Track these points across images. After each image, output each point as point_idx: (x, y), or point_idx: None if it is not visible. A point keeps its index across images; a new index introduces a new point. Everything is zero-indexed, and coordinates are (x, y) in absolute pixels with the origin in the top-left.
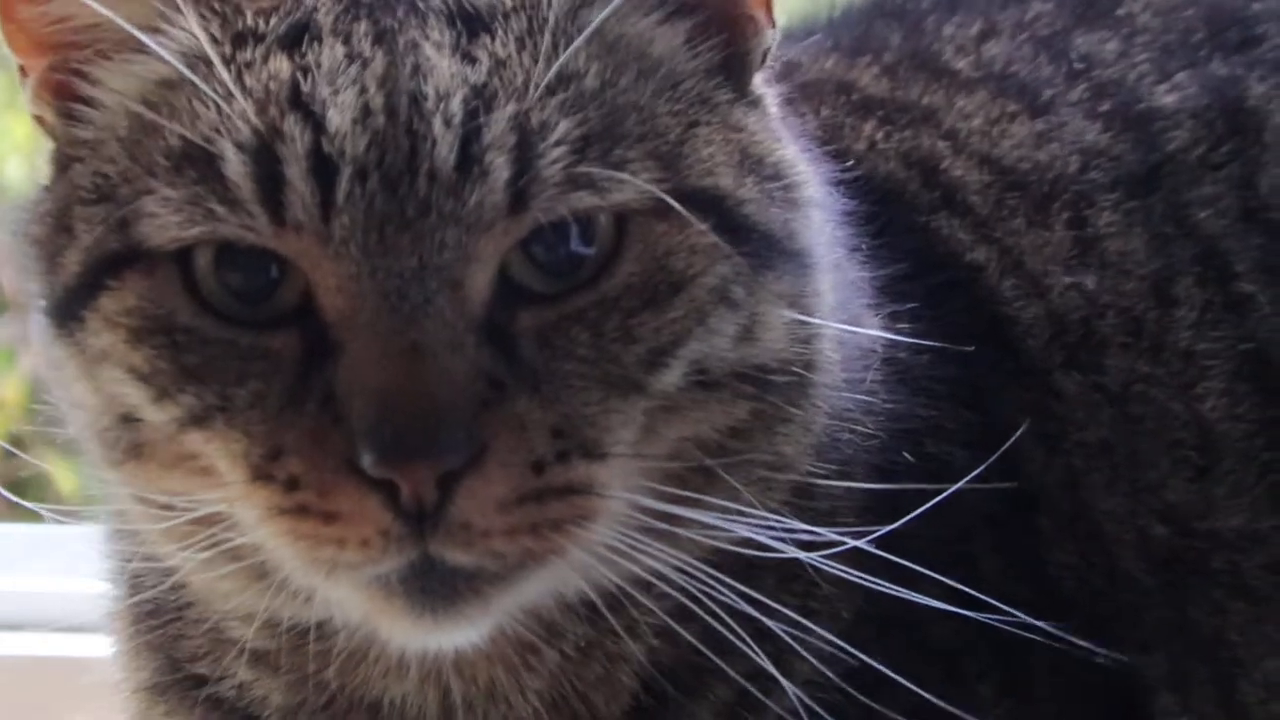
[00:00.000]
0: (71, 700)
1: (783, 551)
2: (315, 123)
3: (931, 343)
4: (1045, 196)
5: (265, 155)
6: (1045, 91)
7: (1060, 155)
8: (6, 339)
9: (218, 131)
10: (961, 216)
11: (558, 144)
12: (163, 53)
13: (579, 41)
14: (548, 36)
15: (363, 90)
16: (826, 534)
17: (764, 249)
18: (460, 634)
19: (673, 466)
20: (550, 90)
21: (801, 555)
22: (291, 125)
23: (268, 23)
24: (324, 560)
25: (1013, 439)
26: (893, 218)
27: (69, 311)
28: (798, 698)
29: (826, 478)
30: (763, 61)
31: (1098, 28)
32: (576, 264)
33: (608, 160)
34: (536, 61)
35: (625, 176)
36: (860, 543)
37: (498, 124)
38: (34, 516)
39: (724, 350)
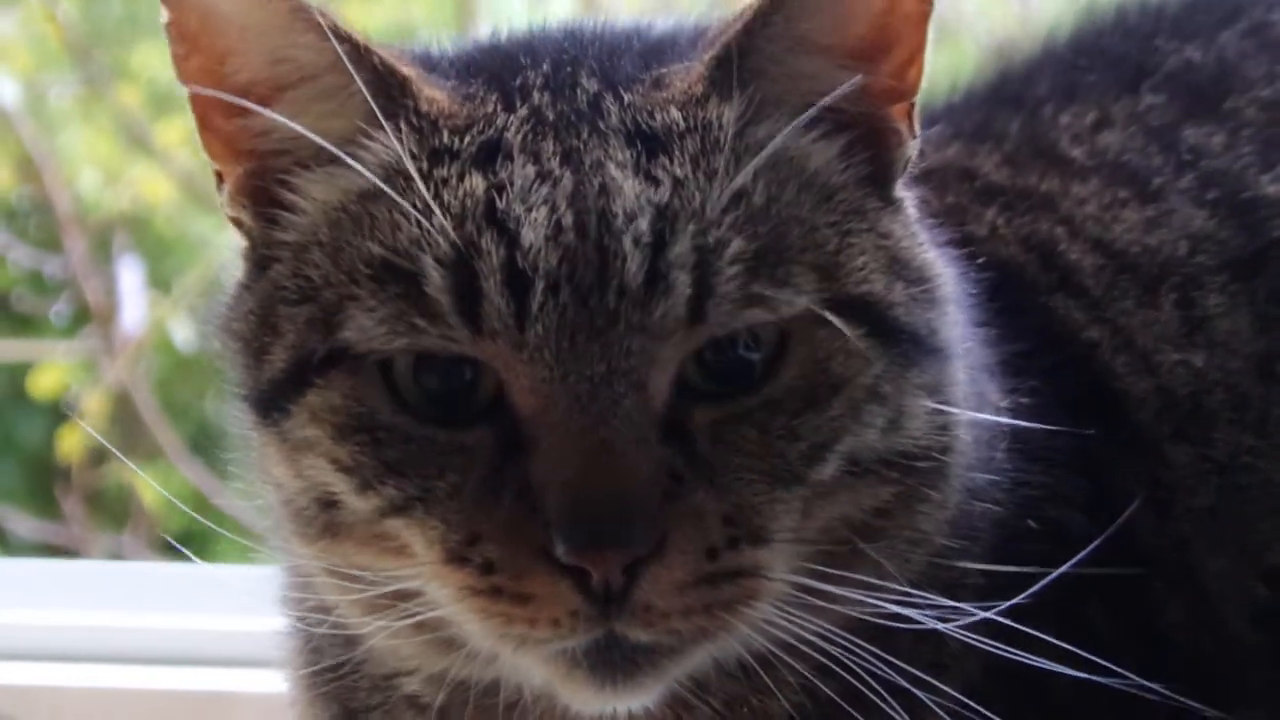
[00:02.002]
0: None
1: (921, 623)
2: (510, 239)
3: (1049, 419)
4: (1154, 278)
5: (463, 270)
6: (1155, 180)
7: (1169, 240)
8: (88, 351)
9: (418, 246)
10: (1077, 297)
11: (733, 262)
12: (364, 170)
13: (753, 165)
14: (720, 157)
15: (554, 208)
16: (965, 608)
17: (910, 347)
18: (636, 700)
19: (824, 543)
20: (725, 209)
21: (939, 625)
22: (488, 242)
23: (462, 141)
24: (515, 635)
25: (1130, 508)
26: (1014, 298)
27: (273, 403)
28: None
29: (960, 550)
30: (904, 169)
31: (1206, 121)
32: (745, 368)
33: (775, 276)
34: (712, 181)
35: (791, 296)
36: (990, 614)
37: (681, 243)
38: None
39: (873, 441)
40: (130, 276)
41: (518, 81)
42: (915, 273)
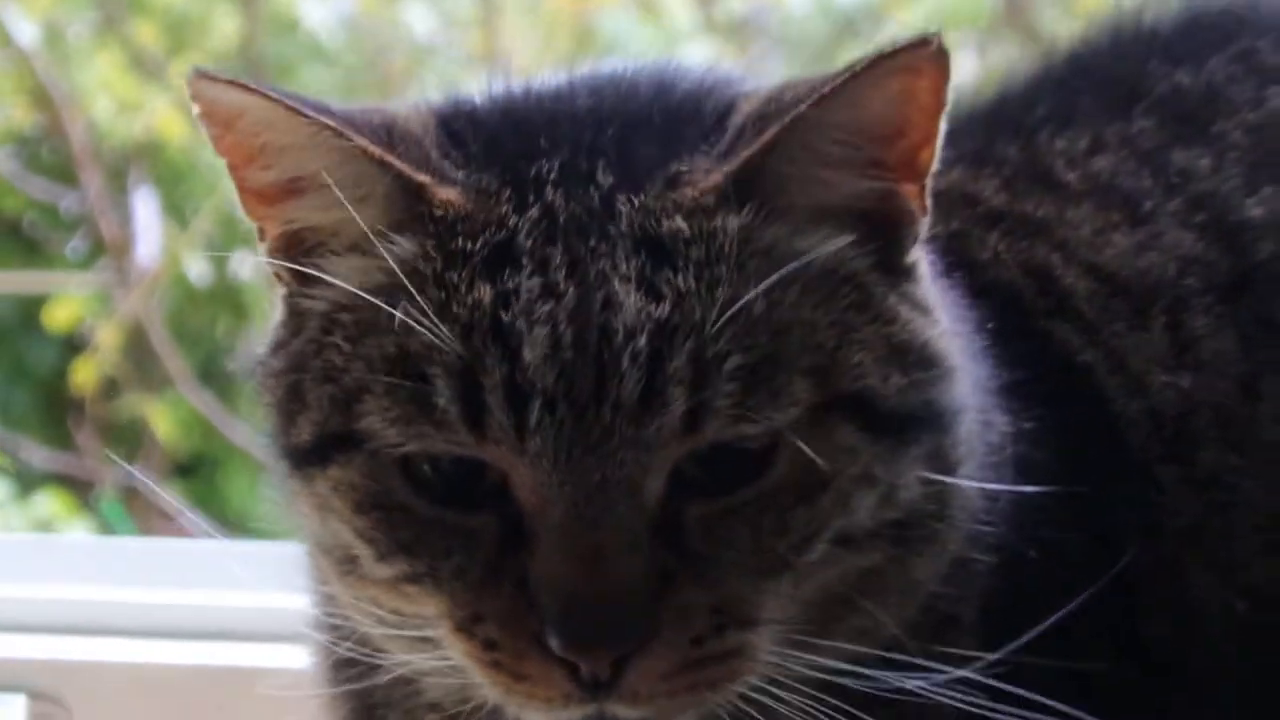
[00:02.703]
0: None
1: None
2: (512, 354)
3: (1050, 443)
4: (1145, 301)
5: (469, 382)
6: (1146, 203)
7: (1158, 263)
8: (102, 283)
9: (428, 354)
10: (1073, 321)
11: (730, 378)
12: (389, 259)
13: (760, 286)
14: (724, 269)
15: (555, 326)
16: (958, 672)
17: (906, 429)
18: None
19: (813, 602)
20: (726, 323)
21: (918, 686)
22: (491, 358)
23: (474, 244)
24: (516, 698)
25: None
26: (1016, 323)
27: (301, 464)
28: None
29: (956, 596)
30: (915, 242)
31: (1194, 144)
32: (739, 464)
33: (772, 387)
34: (714, 293)
35: (786, 406)
36: (990, 660)
37: (678, 359)
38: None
39: (863, 520)
40: (145, 209)
41: (533, 172)
42: (917, 355)
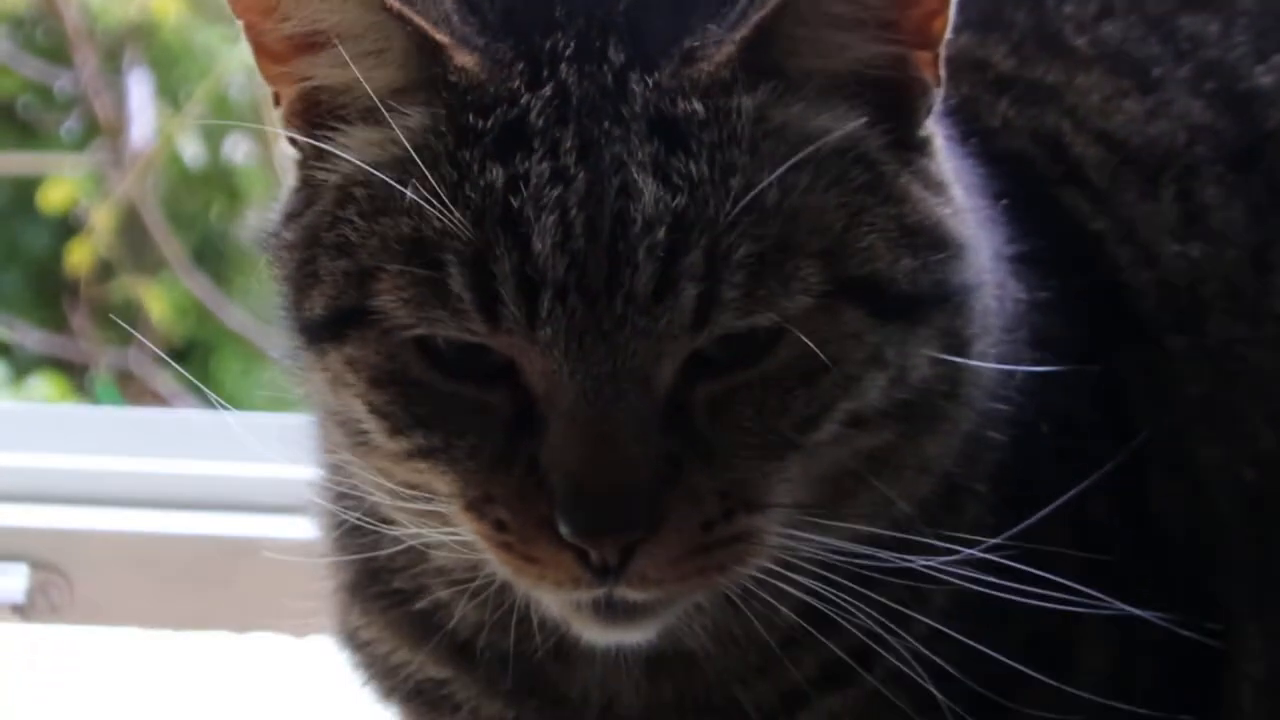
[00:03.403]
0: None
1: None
2: (523, 243)
3: (1064, 312)
4: (1155, 170)
5: (481, 270)
6: (1154, 70)
7: (1168, 131)
8: (96, 164)
9: (441, 239)
10: (1083, 189)
11: (739, 267)
12: (399, 134)
13: (774, 174)
14: (739, 153)
15: (564, 214)
16: (967, 551)
17: (916, 310)
18: (638, 637)
19: (823, 482)
20: (739, 213)
21: (924, 566)
22: (502, 246)
23: (486, 121)
24: (527, 581)
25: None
26: (1028, 191)
27: (314, 338)
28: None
29: (969, 472)
30: (929, 114)
31: (1202, 9)
32: (747, 344)
33: (781, 274)
34: (729, 180)
35: (796, 293)
36: (996, 540)
37: (694, 254)
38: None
39: (873, 399)
40: (140, 90)
41: (548, 46)
42: (928, 236)
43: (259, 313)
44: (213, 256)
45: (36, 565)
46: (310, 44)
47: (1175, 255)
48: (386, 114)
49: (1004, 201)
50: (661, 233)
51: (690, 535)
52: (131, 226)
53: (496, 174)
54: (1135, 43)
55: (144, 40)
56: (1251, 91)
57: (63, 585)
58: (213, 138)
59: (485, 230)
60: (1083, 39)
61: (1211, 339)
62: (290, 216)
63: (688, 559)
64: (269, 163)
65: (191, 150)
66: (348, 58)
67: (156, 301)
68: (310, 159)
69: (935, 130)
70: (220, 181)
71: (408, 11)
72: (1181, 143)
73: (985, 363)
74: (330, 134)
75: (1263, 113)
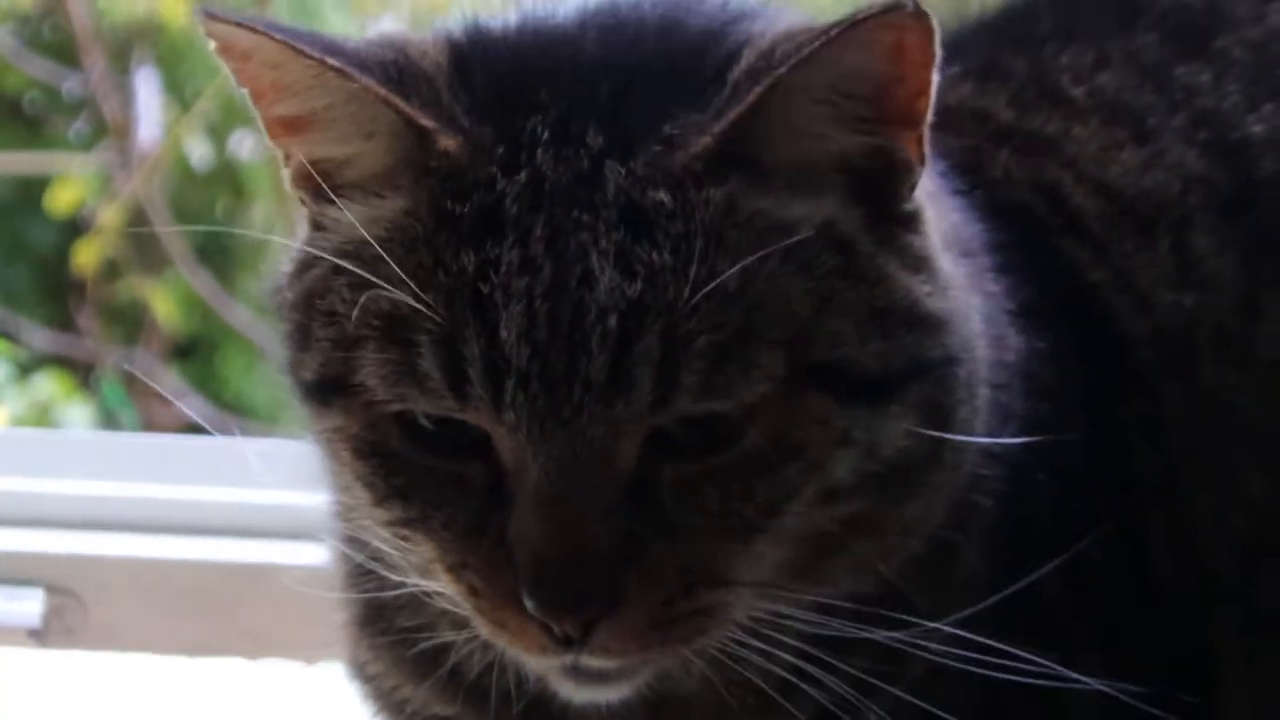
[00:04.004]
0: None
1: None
2: (490, 329)
3: (1061, 361)
4: (1150, 220)
5: (452, 351)
6: (1150, 120)
7: (1163, 181)
8: (104, 164)
9: (414, 319)
10: (1082, 239)
11: (698, 356)
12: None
13: (737, 266)
14: (700, 242)
15: (530, 303)
16: (949, 630)
17: (887, 391)
18: (613, 696)
19: (796, 552)
20: (699, 301)
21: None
22: (471, 330)
23: (463, 206)
24: (500, 641)
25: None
26: (1028, 241)
27: (308, 400)
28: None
29: (957, 540)
30: (911, 191)
31: (1195, 59)
32: (712, 429)
33: (742, 362)
34: (689, 269)
35: (757, 381)
36: (979, 608)
37: (647, 340)
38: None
39: (843, 477)
40: (147, 90)
41: (528, 128)
42: (902, 316)
43: (264, 311)
44: (217, 254)
45: (52, 590)
46: (306, 123)
47: (1170, 304)
48: (373, 195)
49: (1005, 252)
50: (613, 320)
51: (651, 611)
52: (138, 226)
53: (469, 259)
54: (1131, 92)
55: (151, 39)
56: (1243, 140)
57: (78, 610)
58: (218, 134)
59: (456, 312)
60: (1080, 89)
61: (1203, 386)
62: (294, 276)
63: (648, 632)
64: (274, 160)
65: (199, 150)
66: (344, 133)
67: (162, 300)
68: (313, 223)
69: (924, 204)
70: (226, 178)
71: (394, 98)
72: (1176, 192)
73: (969, 428)
74: (327, 205)
75: (1254, 161)
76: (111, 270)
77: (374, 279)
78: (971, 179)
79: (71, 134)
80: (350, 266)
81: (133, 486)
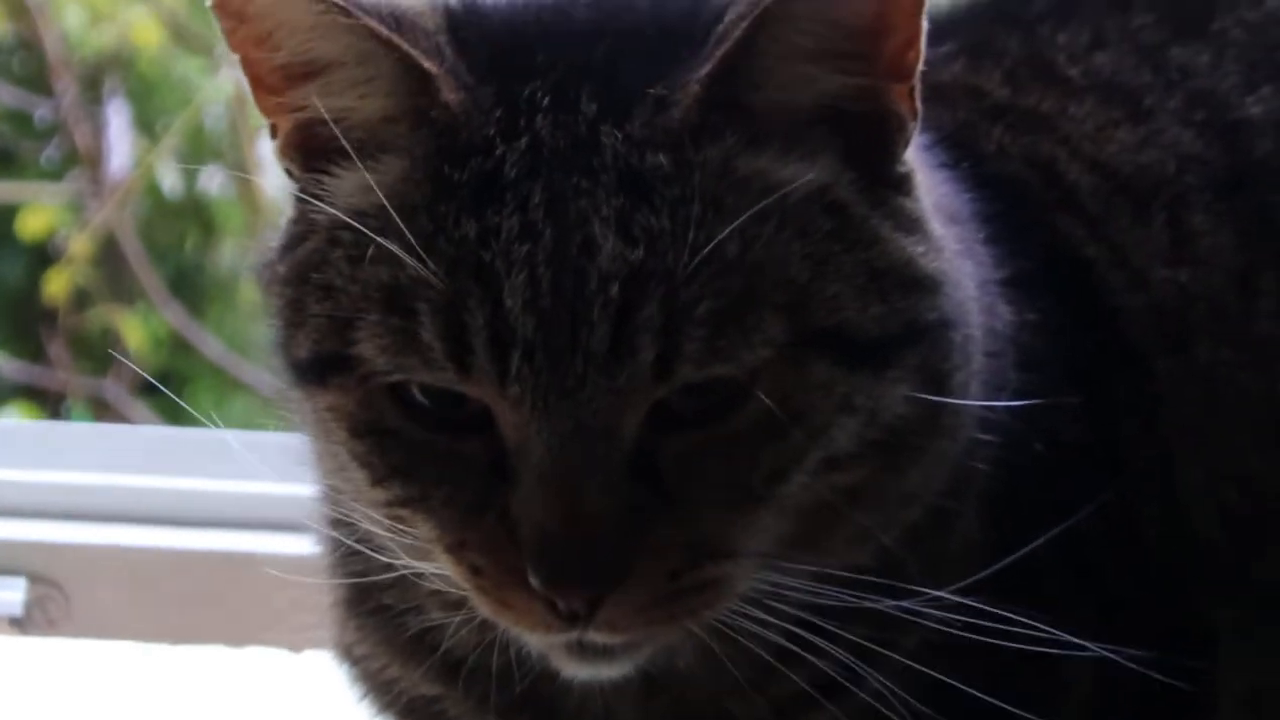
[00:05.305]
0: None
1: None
2: (494, 298)
3: (1054, 335)
4: (1146, 197)
5: (455, 322)
6: (1146, 99)
7: (1159, 160)
8: (75, 193)
9: (416, 288)
10: (1077, 215)
11: (700, 323)
12: (375, 186)
13: (726, 231)
14: (699, 206)
15: (534, 270)
16: (945, 597)
17: (886, 354)
18: (616, 672)
19: (799, 521)
20: (698, 267)
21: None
22: (474, 300)
23: (463, 171)
24: (503, 620)
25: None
26: (1021, 215)
27: (301, 379)
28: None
29: (954, 508)
30: (905, 147)
31: (1193, 41)
32: (715, 398)
33: (743, 328)
34: (688, 234)
35: (757, 346)
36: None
37: (649, 308)
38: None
39: (845, 444)
40: (118, 120)
41: (526, 93)
42: (898, 278)
43: (234, 344)
44: (188, 288)
45: (34, 579)
46: (303, 73)
47: (1164, 280)
48: (369, 158)
49: (996, 223)
50: (615, 288)
51: (656, 585)
52: (109, 256)
53: (470, 226)
54: (1127, 73)
55: (123, 70)
56: (1241, 121)
57: (60, 599)
58: (189, 170)
59: (458, 281)
60: (1076, 68)
61: (1198, 362)
62: (285, 249)
63: (654, 607)
64: (244, 196)
65: (169, 181)
66: (343, 81)
67: (133, 332)
68: (304, 195)
69: (914, 167)
70: (195, 213)
71: (396, 38)
72: (1171, 171)
73: (966, 393)
74: (321, 176)
75: (1251, 141)
76: (82, 300)
77: (373, 248)
78: (960, 153)
79: (43, 160)
80: (346, 238)
81: (115, 476)
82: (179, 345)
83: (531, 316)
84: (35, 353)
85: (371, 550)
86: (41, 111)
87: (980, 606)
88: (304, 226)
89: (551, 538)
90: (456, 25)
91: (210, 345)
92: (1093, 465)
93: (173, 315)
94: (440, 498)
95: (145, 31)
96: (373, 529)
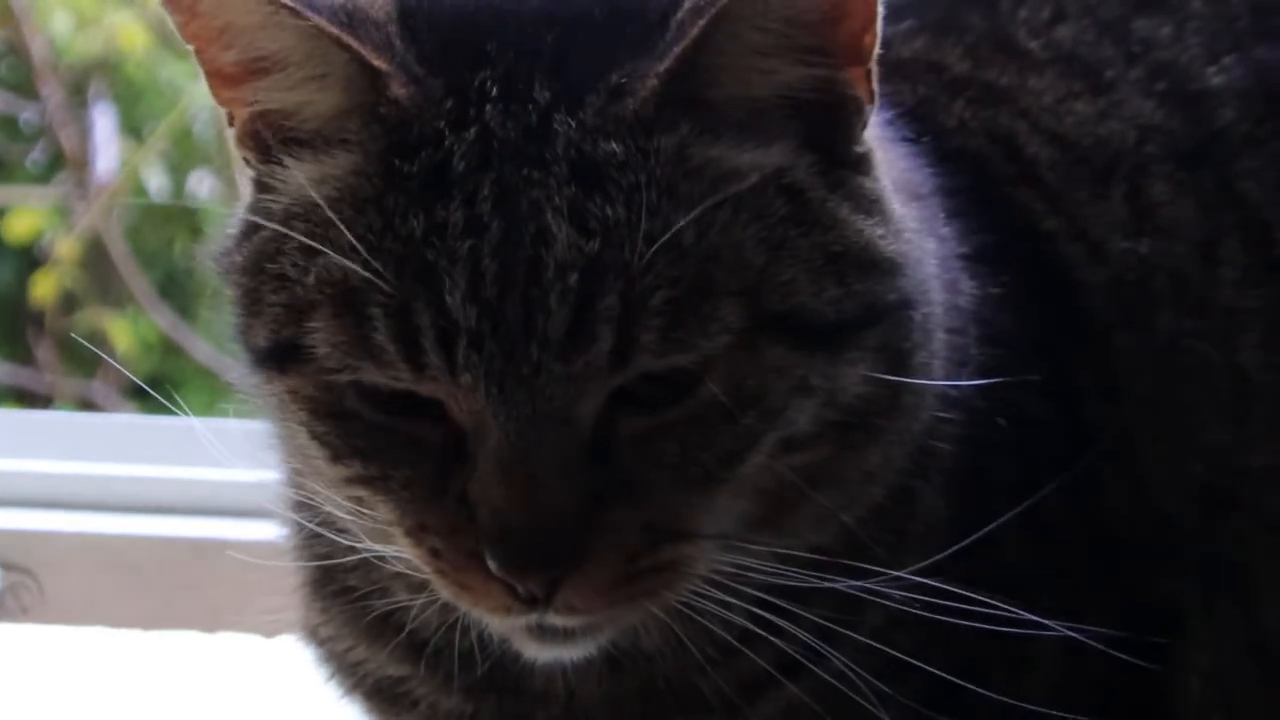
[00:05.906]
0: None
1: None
2: (436, 296)
3: (1016, 308)
4: (1106, 170)
5: (405, 322)
6: (1107, 72)
7: (1119, 131)
8: (61, 197)
9: (366, 289)
10: (1036, 188)
11: (657, 313)
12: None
13: (683, 221)
14: (654, 194)
15: (476, 264)
16: (912, 579)
17: (843, 336)
18: (577, 654)
19: (758, 501)
20: (654, 256)
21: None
22: (419, 299)
23: (412, 164)
24: (463, 603)
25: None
26: (982, 189)
27: (260, 365)
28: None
29: (916, 489)
30: (863, 129)
31: (1154, 13)
32: (670, 382)
33: (699, 316)
34: (643, 223)
35: (715, 334)
36: (955, 546)
37: (607, 298)
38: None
39: (803, 426)
40: (105, 123)
41: (476, 83)
42: (855, 260)
43: (223, 347)
44: (177, 292)
45: (7, 567)
46: (255, 70)
47: (1125, 252)
48: (322, 152)
49: (958, 198)
50: (574, 278)
51: (614, 567)
52: (96, 259)
53: (417, 223)
54: (1088, 46)
55: (109, 74)
56: (1202, 92)
57: (33, 586)
58: (177, 173)
59: (405, 282)
60: (1036, 42)
61: (1160, 334)
62: (242, 236)
63: (613, 589)
64: (232, 200)
65: (156, 182)
66: (294, 79)
67: (121, 336)
68: (259, 183)
69: (873, 147)
70: (183, 218)
71: (346, 37)
72: (1132, 142)
73: (928, 372)
74: (276, 167)
75: (1213, 112)
76: (70, 303)
77: (324, 245)
78: (922, 127)
79: (29, 164)
80: (299, 230)
81: (87, 465)
82: (169, 349)
83: (474, 306)
84: (23, 355)
85: (334, 533)
86: (28, 115)
87: (942, 586)
88: (260, 216)
89: (508, 521)
90: (407, 14)
91: (201, 349)
92: (1057, 440)
93: (162, 319)
94: (399, 479)
95: (131, 36)
96: (335, 511)
